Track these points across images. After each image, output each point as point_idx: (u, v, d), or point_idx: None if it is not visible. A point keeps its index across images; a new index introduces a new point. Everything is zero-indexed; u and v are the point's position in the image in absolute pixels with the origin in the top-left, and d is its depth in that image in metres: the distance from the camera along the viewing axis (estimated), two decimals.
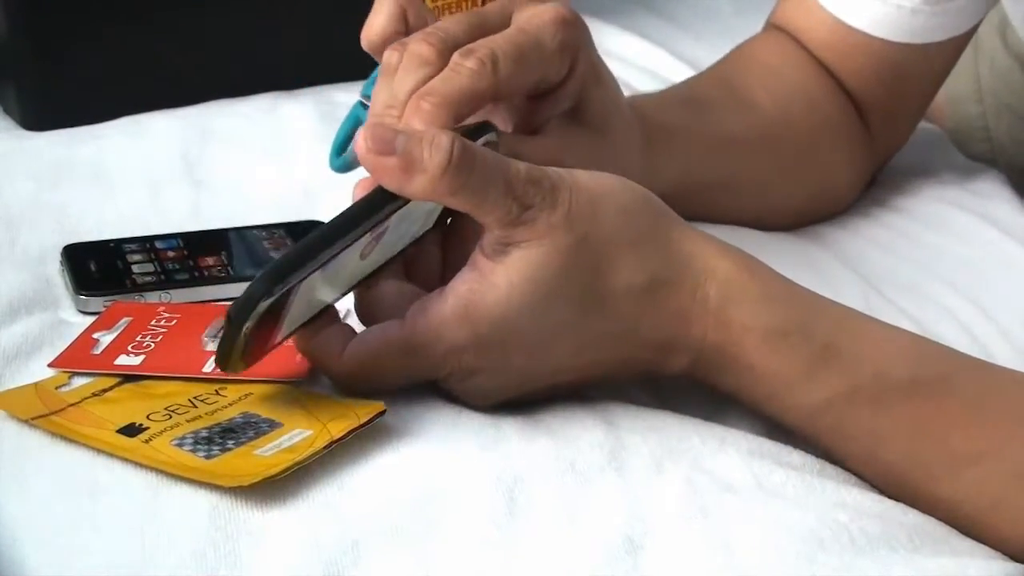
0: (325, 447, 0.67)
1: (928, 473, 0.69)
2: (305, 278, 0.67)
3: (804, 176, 0.96)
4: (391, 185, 0.67)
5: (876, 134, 0.99)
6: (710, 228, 0.83)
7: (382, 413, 0.70)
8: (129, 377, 0.75)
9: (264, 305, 0.66)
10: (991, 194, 1.02)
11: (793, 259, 0.90)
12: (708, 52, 1.11)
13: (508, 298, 0.68)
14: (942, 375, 0.71)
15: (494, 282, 0.68)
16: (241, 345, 0.67)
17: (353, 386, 0.71)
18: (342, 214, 0.69)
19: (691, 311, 0.69)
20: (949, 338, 0.82)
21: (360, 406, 0.70)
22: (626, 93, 1.14)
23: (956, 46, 0.97)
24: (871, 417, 0.69)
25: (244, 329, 0.66)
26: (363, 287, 0.72)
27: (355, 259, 0.70)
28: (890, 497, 0.70)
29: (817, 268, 0.90)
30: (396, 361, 0.70)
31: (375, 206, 0.68)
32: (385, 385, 0.71)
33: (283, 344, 0.70)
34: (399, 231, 0.71)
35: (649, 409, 0.73)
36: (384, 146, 0.66)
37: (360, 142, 0.66)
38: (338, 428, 0.68)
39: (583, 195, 0.68)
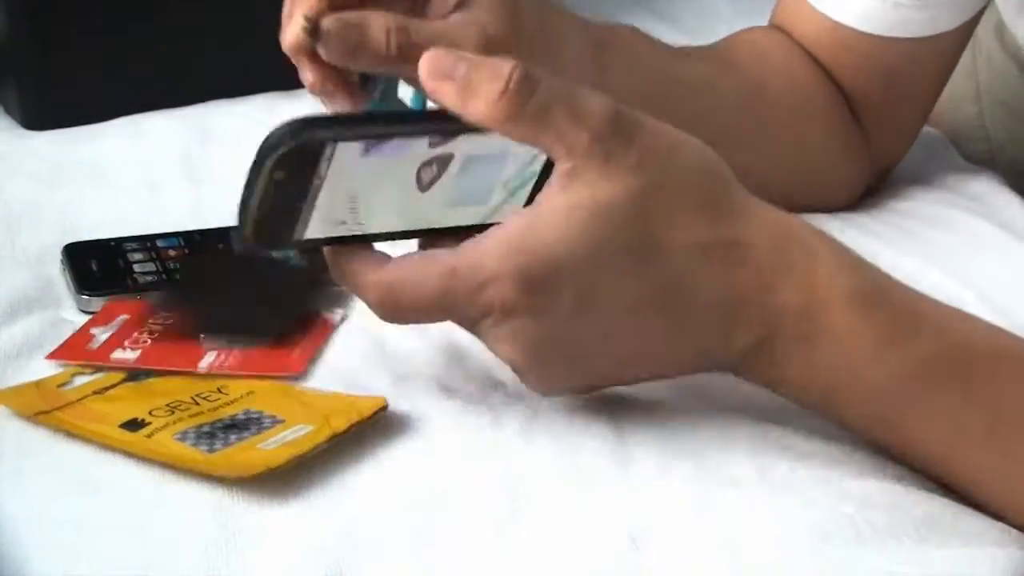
0: (327, 440, 0.67)
1: (1012, 457, 0.66)
2: (336, 143, 0.63)
3: (784, 144, 0.94)
4: (450, 106, 0.65)
5: (873, 135, 0.98)
6: None
7: (384, 408, 0.70)
8: (131, 376, 0.75)
9: (288, 147, 0.63)
10: (992, 197, 1.02)
11: None
12: None
13: (564, 230, 0.64)
14: (1020, 351, 0.68)
15: (552, 211, 0.64)
16: (260, 192, 0.64)
17: (382, 312, 0.67)
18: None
19: (773, 272, 0.66)
20: None
21: (362, 401, 0.70)
22: None
23: (951, 44, 0.96)
24: (952, 392, 0.66)
25: (265, 170, 0.63)
26: (440, 239, 0.67)
27: (408, 180, 0.66)
28: (970, 498, 0.67)
29: None
30: (431, 286, 0.65)
31: (435, 117, 0.66)
32: (414, 315, 0.67)
33: (302, 245, 0.67)
34: (474, 181, 0.66)
35: (652, 401, 0.72)
36: (443, 73, 0.65)
37: (421, 67, 0.65)
38: (340, 422, 0.68)
39: (661, 142, 0.66)
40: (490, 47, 0.72)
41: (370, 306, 0.68)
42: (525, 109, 0.64)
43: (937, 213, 0.98)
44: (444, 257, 0.66)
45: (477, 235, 0.65)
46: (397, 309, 0.67)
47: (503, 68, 0.64)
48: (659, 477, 0.67)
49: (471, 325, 0.67)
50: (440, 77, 0.65)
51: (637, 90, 0.80)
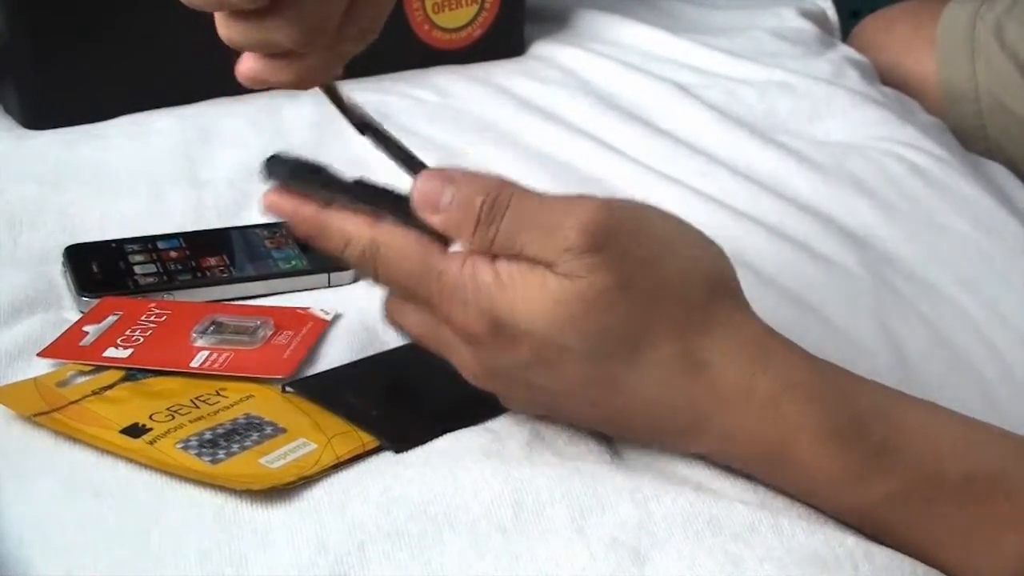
0: (332, 465, 0.68)
1: (983, 564, 0.66)
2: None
3: None
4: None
5: None
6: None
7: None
8: (129, 376, 0.75)
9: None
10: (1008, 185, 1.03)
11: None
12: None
13: (535, 306, 0.66)
14: (996, 471, 0.67)
15: (528, 286, 0.66)
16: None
17: (358, 262, 0.69)
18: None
19: (728, 397, 0.66)
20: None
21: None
22: (626, 85, 1.14)
23: None
24: (923, 519, 0.66)
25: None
26: None
27: None
28: None
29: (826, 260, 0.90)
30: (412, 265, 0.67)
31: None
32: (385, 279, 0.69)
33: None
34: None
35: None
36: (432, 206, 0.67)
37: (415, 194, 0.67)
38: (343, 448, 0.69)
39: (640, 250, 0.66)
40: None
41: (350, 252, 0.69)
42: (496, 239, 0.66)
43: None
44: (438, 256, 0.67)
45: (472, 257, 0.67)
46: (372, 264, 0.68)
47: (475, 202, 0.66)
48: (664, 495, 0.66)
49: (432, 326, 0.69)
50: (429, 210, 0.67)
51: None
